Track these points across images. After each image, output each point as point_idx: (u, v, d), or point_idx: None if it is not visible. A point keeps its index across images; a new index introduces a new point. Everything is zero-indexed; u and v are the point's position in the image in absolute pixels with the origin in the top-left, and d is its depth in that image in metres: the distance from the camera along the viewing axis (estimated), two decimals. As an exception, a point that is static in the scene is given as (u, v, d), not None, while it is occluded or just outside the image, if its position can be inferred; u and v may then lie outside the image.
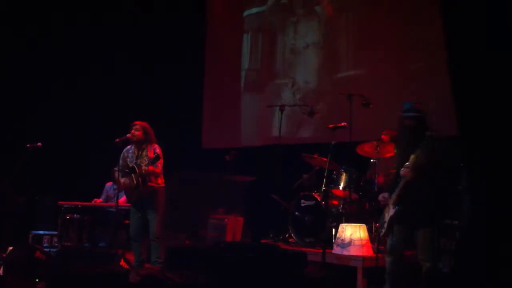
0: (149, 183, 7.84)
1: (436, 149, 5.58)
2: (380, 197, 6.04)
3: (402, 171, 5.68)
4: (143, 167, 7.77)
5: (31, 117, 11.00)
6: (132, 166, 7.91)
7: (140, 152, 8.03)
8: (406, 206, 5.69)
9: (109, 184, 10.22)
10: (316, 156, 8.11)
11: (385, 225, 5.83)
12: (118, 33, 11.53)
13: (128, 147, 8.16)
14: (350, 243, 6.93)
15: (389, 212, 5.80)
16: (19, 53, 10.93)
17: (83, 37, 11.42)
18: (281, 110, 8.61)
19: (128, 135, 7.95)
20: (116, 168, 8.13)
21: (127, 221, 8.94)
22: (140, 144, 8.03)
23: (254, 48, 11.23)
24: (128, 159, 8.09)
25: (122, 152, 8.18)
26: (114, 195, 10.03)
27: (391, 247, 5.89)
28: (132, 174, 7.89)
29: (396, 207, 5.73)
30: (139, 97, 11.39)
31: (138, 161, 7.96)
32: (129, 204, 8.29)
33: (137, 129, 8.00)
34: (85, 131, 11.21)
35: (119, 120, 8.99)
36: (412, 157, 5.56)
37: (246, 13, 11.41)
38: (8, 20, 10.90)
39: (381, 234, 5.96)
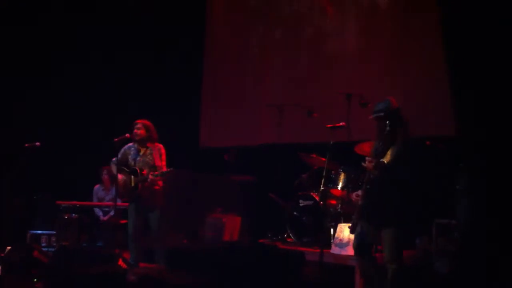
0: (152, 187, 7.84)
1: (408, 149, 5.50)
2: (354, 195, 5.94)
3: (365, 163, 5.57)
4: (149, 176, 7.69)
5: (30, 116, 10.99)
6: (135, 169, 7.88)
7: (144, 152, 7.99)
8: (372, 204, 5.58)
9: (96, 186, 10.23)
10: (314, 155, 8.11)
11: (352, 223, 5.73)
12: (118, 33, 11.56)
13: (130, 144, 8.08)
14: (348, 243, 6.93)
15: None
16: (19, 52, 10.96)
17: (83, 36, 11.45)
18: (280, 109, 8.61)
19: (127, 135, 7.87)
20: (114, 160, 8.08)
21: (123, 221, 8.96)
22: (144, 143, 7.98)
23: (256, 47, 11.24)
24: (130, 157, 8.03)
25: (124, 148, 8.09)
26: (105, 196, 10.05)
27: (356, 246, 5.79)
28: (132, 176, 7.86)
29: (360, 203, 5.63)
30: (139, 97, 11.36)
31: (140, 162, 7.93)
32: (127, 204, 8.26)
33: (139, 128, 7.94)
34: (86, 131, 11.21)
35: (120, 119, 9.00)
36: (386, 156, 5.49)
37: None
38: (8, 19, 10.91)
39: (350, 231, 5.83)
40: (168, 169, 7.64)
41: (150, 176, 7.68)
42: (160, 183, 7.91)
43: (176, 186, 8.94)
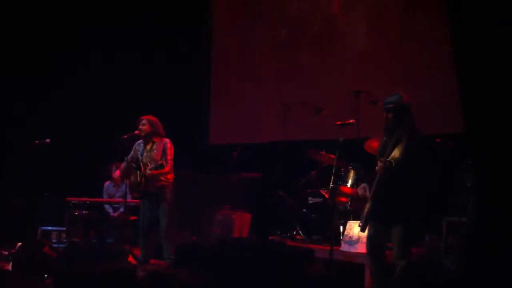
0: (158, 182, 7.85)
1: (414, 147, 5.44)
2: (360, 188, 5.89)
3: (377, 167, 5.55)
4: (147, 171, 7.76)
5: (30, 116, 10.94)
6: (139, 164, 7.90)
7: (150, 147, 8.04)
8: (380, 203, 5.54)
9: (107, 183, 10.21)
10: (323, 152, 8.11)
11: (363, 221, 5.69)
12: (118, 33, 11.54)
13: (140, 141, 8.16)
14: (357, 240, 6.95)
15: (367, 207, 5.67)
16: (19, 52, 10.91)
17: (83, 36, 11.44)
18: (286, 107, 8.63)
19: (136, 132, 7.98)
20: (127, 158, 8.11)
21: (132, 217, 8.94)
22: (149, 138, 8.04)
23: (262, 45, 11.26)
24: (139, 153, 8.10)
25: (134, 145, 8.19)
26: (115, 192, 10.02)
27: (368, 245, 5.78)
28: (138, 172, 7.89)
29: (370, 203, 5.60)
30: (139, 97, 11.33)
31: (146, 157, 7.97)
32: (137, 201, 8.28)
33: (143, 124, 8.02)
34: (86, 131, 11.17)
35: (120, 119, 8.98)
36: (394, 152, 5.43)
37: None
38: (8, 19, 10.87)
39: (361, 230, 5.78)
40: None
41: (147, 171, 7.73)
42: (170, 177, 7.97)
43: (181, 185, 8.92)
